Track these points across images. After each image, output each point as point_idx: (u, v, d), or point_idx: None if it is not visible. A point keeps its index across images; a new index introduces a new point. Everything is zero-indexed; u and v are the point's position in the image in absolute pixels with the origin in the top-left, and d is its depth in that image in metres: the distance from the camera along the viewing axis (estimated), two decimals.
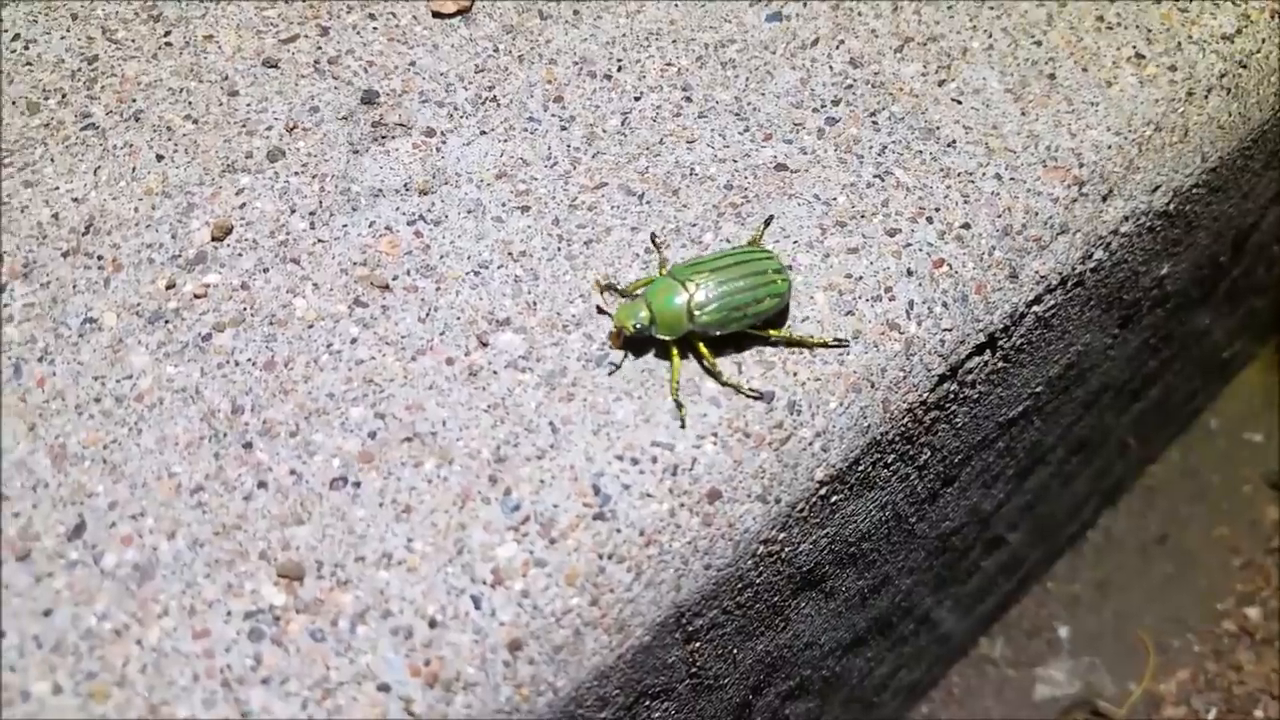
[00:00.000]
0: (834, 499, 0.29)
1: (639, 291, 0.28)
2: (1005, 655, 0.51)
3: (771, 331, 0.28)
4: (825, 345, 0.28)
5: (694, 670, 0.29)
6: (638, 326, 0.27)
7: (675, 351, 0.28)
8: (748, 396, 0.27)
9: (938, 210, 0.31)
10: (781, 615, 0.31)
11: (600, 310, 0.28)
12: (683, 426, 0.27)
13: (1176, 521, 0.53)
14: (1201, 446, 0.56)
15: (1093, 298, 0.35)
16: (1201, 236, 0.39)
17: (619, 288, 0.29)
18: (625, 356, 0.28)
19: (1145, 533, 0.53)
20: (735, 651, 0.30)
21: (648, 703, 0.28)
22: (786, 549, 0.29)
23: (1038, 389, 0.35)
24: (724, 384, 0.28)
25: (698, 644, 0.28)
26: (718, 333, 0.28)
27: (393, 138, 0.31)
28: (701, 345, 0.28)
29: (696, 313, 0.27)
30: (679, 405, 0.27)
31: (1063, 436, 0.41)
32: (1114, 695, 0.48)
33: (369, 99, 0.32)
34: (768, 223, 0.30)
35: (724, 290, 0.28)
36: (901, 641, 0.41)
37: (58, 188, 0.30)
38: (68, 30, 0.34)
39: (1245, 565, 0.52)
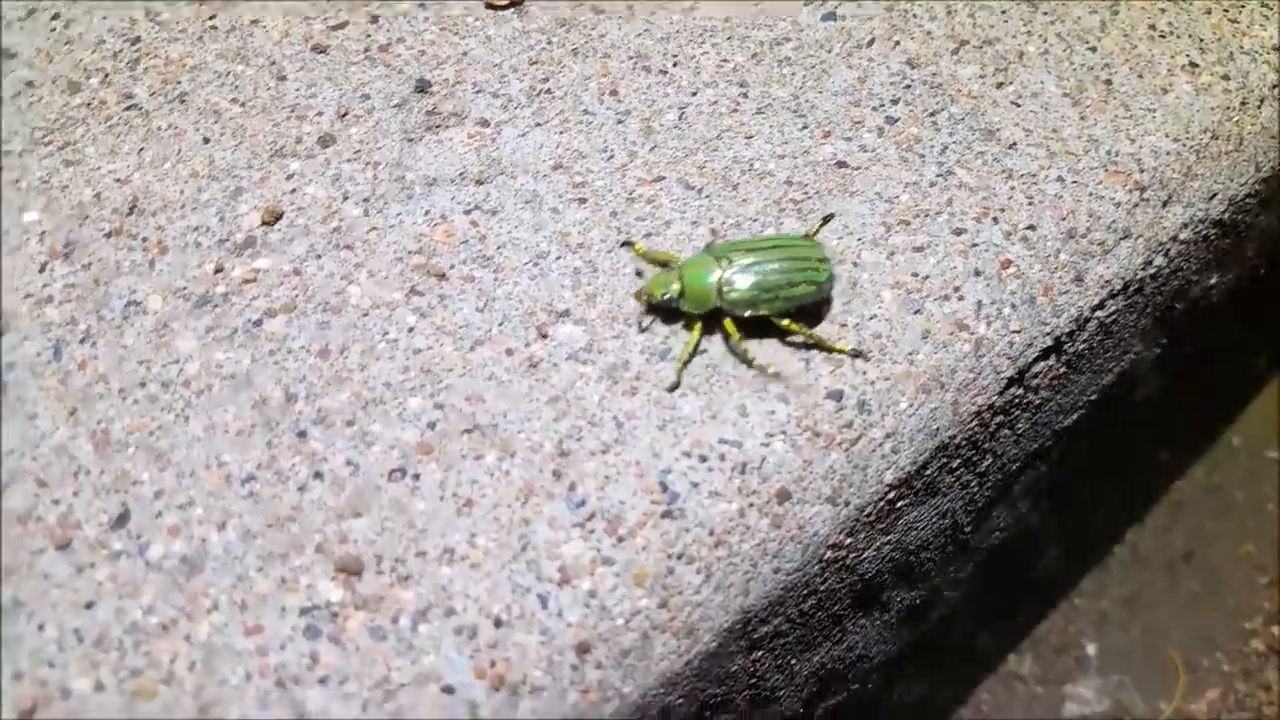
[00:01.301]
0: (899, 504, 0.28)
1: (675, 264, 0.28)
2: (1034, 672, 0.50)
3: (791, 324, 0.28)
4: (843, 352, 0.28)
5: (754, 681, 0.28)
6: (666, 296, 0.27)
7: (698, 326, 0.27)
8: (773, 379, 0.27)
9: (1002, 211, 0.30)
10: (840, 626, 0.30)
11: (639, 274, 0.28)
12: (670, 391, 0.26)
13: (1202, 538, 0.53)
14: (1225, 463, 0.55)
15: (1149, 305, 0.34)
16: (1248, 248, 0.38)
17: (654, 256, 0.29)
18: (653, 320, 0.27)
19: (1171, 549, 0.53)
20: (794, 663, 0.29)
21: (708, 714, 0.27)
22: (851, 555, 0.28)
23: (1092, 397, 0.35)
24: (750, 365, 0.27)
25: (760, 653, 0.27)
26: (745, 314, 0.27)
27: (447, 127, 0.31)
28: (729, 324, 0.27)
29: (725, 289, 0.27)
30: (678, 380, 0.26)
31: (1104, 449, 0.40)
32: (1144, 713, 0.48)
33: (422, 87, 0.31)
34: (826, 220, 0.29)
35: (757, 271, 0.27)
36: (939, 656, 0.40)
37: (99, 168, 0.29)
38: (109, 11, 0.33)
39: (1271, 583, 0.52)
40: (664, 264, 0.28)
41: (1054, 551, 0.44)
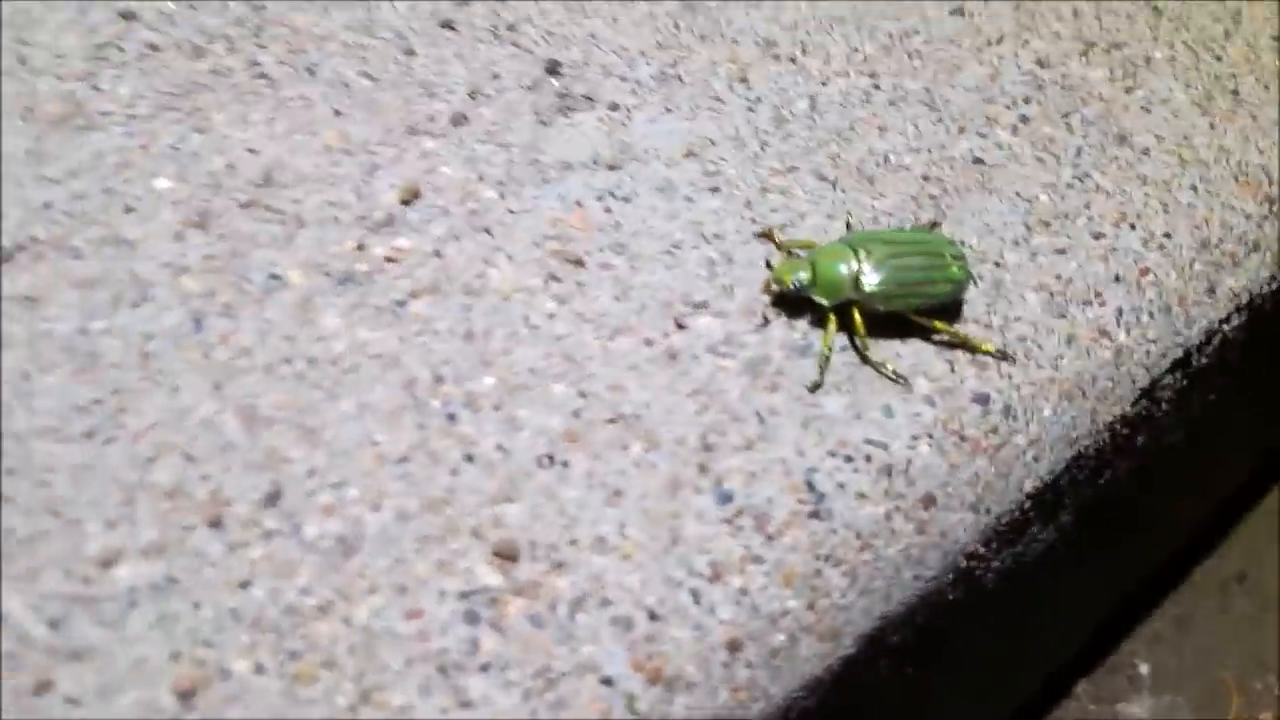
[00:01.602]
0: (1031, 513, 0.28)
1: (804, 252, 0.27)
2: (1087, 690, 0.50)
3: (937, 324, 0.27)
4: (989, 353, 0.27)
5: (870, 693, 0.27)
6: (797, 285, 0.26)
7: (832, 318, 0.26)
8: (890, 378, 0.26)
9: (1139, 217, 0.30)
10: (951, 643, 0.30)
11: (769, 265, 0.27)
12: (811, 390, 0.26)
13: (1254, 559, 0.53)
14: (1276, 484, 0.55)
15: (1264, 322, 0.34)
16: None
17: (784, 242, 0.28)
18: (779, 314, 0.27)
19: (1224, 571, 0.53)
20: (910, 675, 0.28)
21: None
22: (982, 565, 0.27)
23: (1196, 414, 0.35)
24: (871, 364, 0.26)
25: (885, 661, 0.27)
26: (880, 308, 0.27)
27: (578, 110, 0.30)
28: (858, 317, 0.26)
29: (863, 280, 0.26)
30: (820, 379, 0.26)
31: (1173, 467, 0.40)
32: None
33: (552, 69, 0.31)
34: (933, 226, 0.29)
35: (896, 265, 0.27)
36: (1014, 676, 0.40)
37: (230, 136, 0.29)
38: None
39: None
40: (799, 251, 0.28)
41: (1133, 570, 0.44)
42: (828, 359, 0.26)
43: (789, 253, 0.28)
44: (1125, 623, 0.48)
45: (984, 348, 0.27)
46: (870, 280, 0.27)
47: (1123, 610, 0.46)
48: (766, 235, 0.28)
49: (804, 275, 0.26)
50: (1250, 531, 0.54)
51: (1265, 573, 0.52)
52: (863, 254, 0.27)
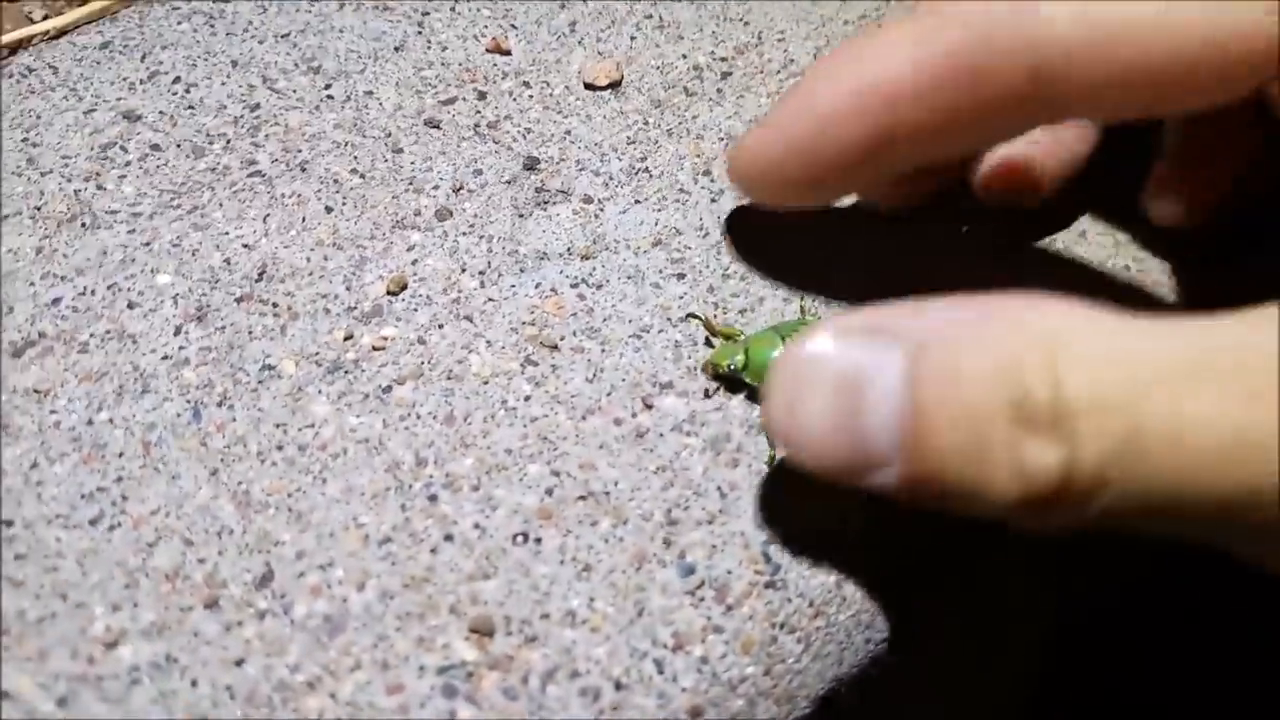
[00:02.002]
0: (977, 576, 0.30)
1: (741, 336, 0.30)
2: None
3: None
4: None
5: None
6: (731, 368, 0.29)
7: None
8: None
9: None
10: (899, 703, 0.31)
11: (709, 343, 0.30)
12: (769, 464, 0.28)
13: None
14: None
15: None
16: None
17: (719, 329, 0.30)
18: (718, 389, 0.29)
19: None
20: None
21: None
22: (931, 627, 0.29)
23: None
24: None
25: None
26: None
27: (555, 203, 0.32)
28: None
29: None
30: (774, 453, 0.28)
31: None
32: None
33: (530, 165, 0.33)
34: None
35: None
36: None
37: (228, 232, 0.31)
38: (228, 77, 0.35)
39: None
40: (729, 337, 0.30)
41: None
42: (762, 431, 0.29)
43: (724, 338, 0.30)
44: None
45: None
46: None
47: None
48: (706, 325, 0.30)
49: (739, 359, 0.29)
50: None
51: None
52: (789, 341, 0.29)
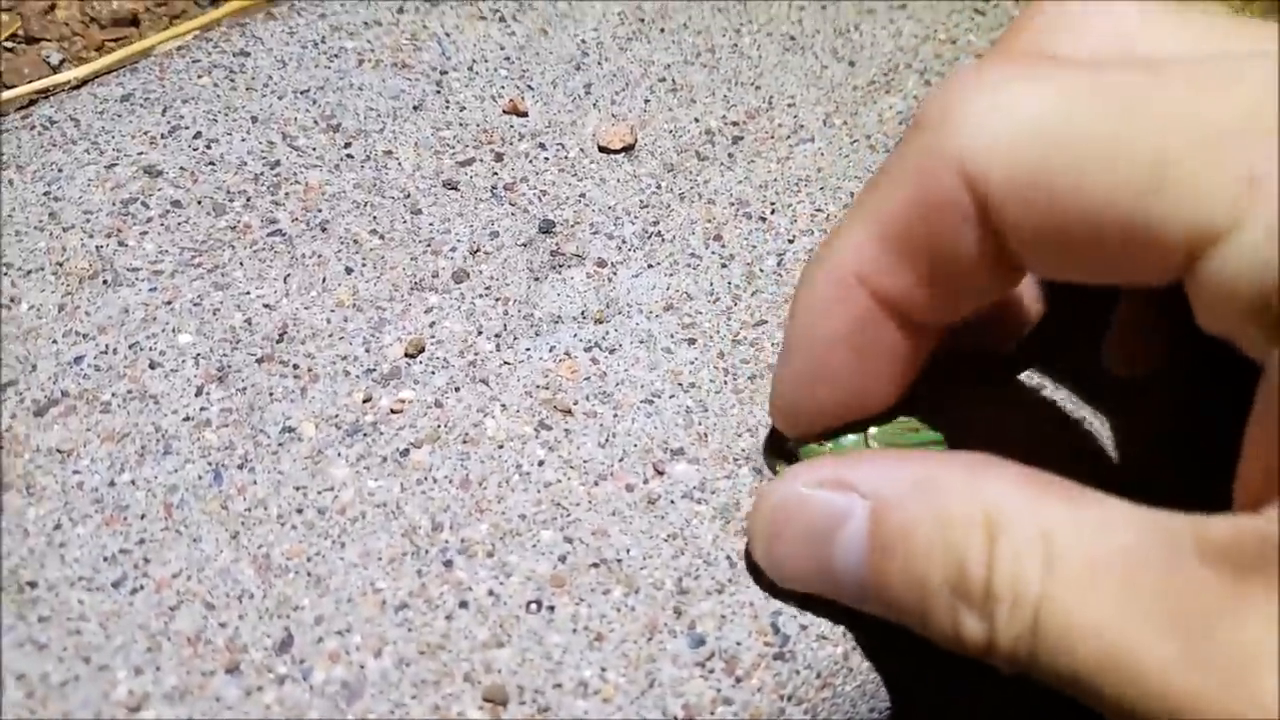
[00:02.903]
0: None
1: (828, 445, 0.30)
2: None
3: None
4: None
5: None
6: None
7: None
8: None
9: None
10: None
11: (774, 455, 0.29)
12: None
13: None
14: None
15: None
16: None
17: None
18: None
19: None
20: None
21: None
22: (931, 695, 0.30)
23: None
24: None
25: None
26: None
27: (569, 266, 0.33)
28: None
29: None
30: None
31: None
32: None
33: (546, 228, 0.34)
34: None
35: None
36: None
37: (249, 292, 0.31)
38: (248, 133, 0.35)
39: None
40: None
41: None
42: None
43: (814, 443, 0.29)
44: None
45: None
46: None
47: None
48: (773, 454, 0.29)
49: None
50: None
51: None
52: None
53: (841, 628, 0.28)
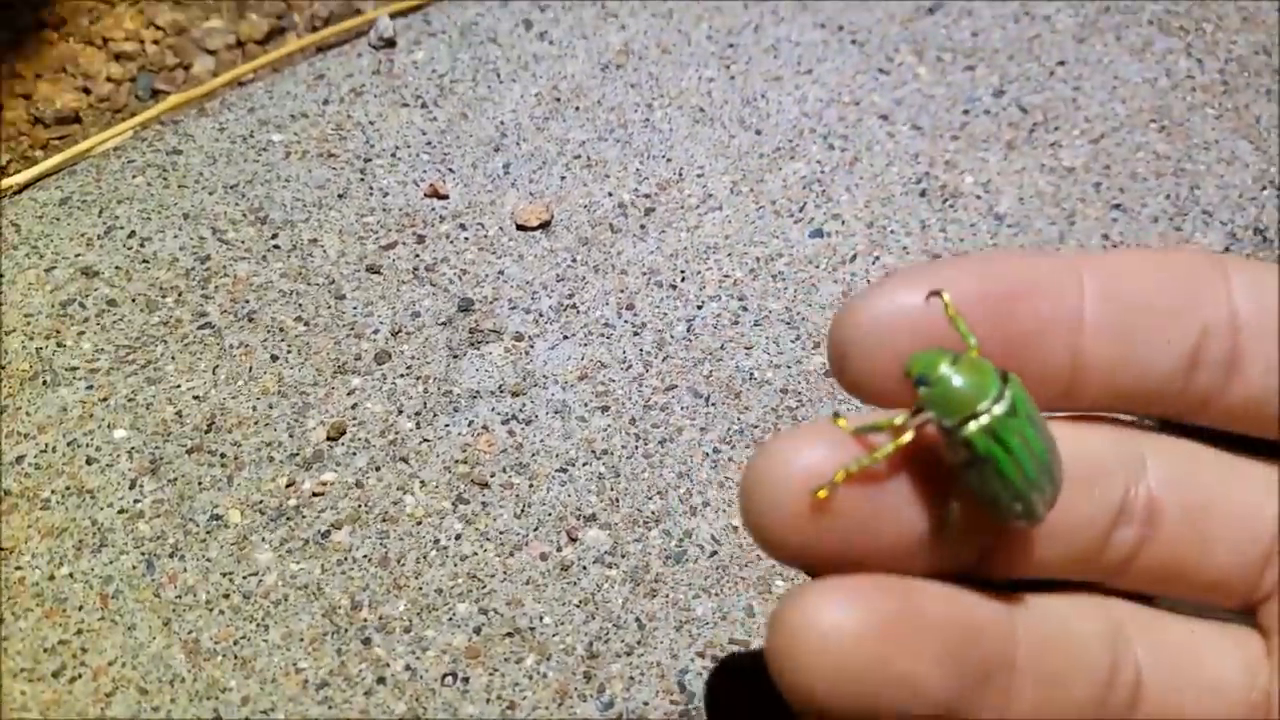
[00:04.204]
0: None
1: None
2: None
3: None
4: None
5: None
6: (922, 383, 0.20)
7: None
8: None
9: None
10: None
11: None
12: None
13: None
14: None
15: None
16: None
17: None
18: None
19: None
20: None
21: None
22: None
23: None
24: None
25: None
26: None
27: (487, 342, 0.35)
28: None
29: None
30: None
31: None
32: None
33: (465, 306, 0.35)
34: (835, 417, 0.31)
35: None
36: None
37: (179, 385, 0.33)
38: (180, 229, 0.37)
39: None
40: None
41: None
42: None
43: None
44: None
45: None
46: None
47: None
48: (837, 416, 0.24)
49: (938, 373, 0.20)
50: None
51: None
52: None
53: (749, 686, 0.29)
